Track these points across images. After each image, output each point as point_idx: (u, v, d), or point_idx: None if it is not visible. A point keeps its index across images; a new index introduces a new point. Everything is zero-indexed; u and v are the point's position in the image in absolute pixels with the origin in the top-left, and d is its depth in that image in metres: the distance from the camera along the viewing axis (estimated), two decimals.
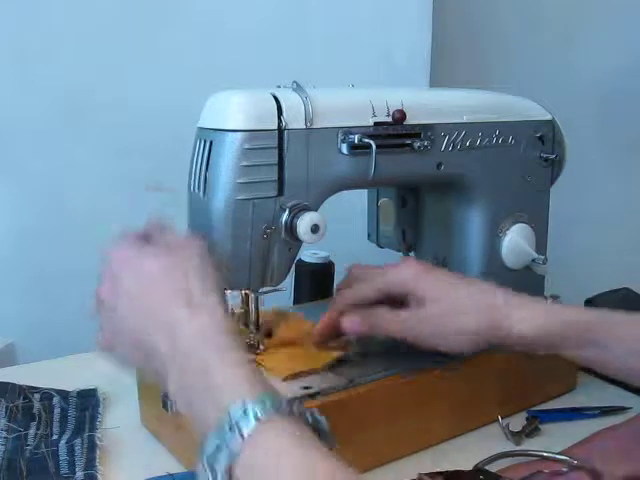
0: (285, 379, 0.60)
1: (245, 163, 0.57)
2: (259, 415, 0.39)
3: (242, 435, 0.38)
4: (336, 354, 0.65)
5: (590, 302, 0.83)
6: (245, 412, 0.39)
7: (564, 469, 0.58)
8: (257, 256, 0.59)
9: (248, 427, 0.38)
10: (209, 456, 0.39)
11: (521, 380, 0.72)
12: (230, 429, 0.39)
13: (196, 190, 0.59)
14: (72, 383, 0.74)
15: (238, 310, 0.66)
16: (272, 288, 0.64)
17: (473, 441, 0.67)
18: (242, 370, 0.43)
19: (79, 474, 0.59)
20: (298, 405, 0.41)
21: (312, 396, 0.58)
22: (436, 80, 1.17)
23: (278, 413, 0.40)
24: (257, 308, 0.65)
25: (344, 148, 0.61)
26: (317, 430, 0.42)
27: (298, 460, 0.38)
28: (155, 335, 0.46)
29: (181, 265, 0.49)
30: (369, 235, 0.84)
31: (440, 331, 0.60)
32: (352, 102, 0.63)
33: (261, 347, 0.66)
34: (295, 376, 0.61)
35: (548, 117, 0.75)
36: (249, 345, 0.66)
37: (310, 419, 0.42)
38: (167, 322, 0.46)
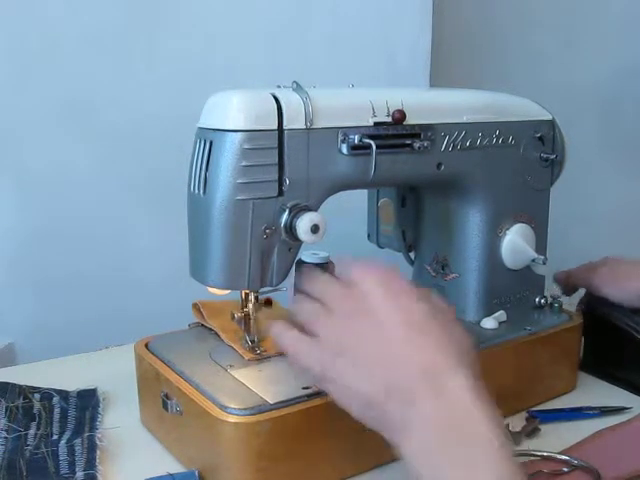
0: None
1: (245, 163, 0.57)
2: None
3: None
4: None
5: (589, 302, 0.83)
6: None
7: (564, 469, 0.58)
8: (257, 256, 0.59)
9: None
10: None
11: (521, 380, 0.72)
12: None
13: (196, 190, 0.59)
14: (72, 383, 0.74)
15: (238, 314, 0.66)
16: (272, 288, 0.64)
17: None
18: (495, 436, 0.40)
19: (79, 474, 0.59)
20: None
21: (311, 396, 0.58)
22: (436, 80, 1.17)
23: None
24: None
25: (344, 148, 0.61)
26: None
27: None
28: (389, 405, 0.44)
29: (435, 331, 0.45)
30: (369, 235, 0.84)
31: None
32: (352, 102, 0.63)
33: (261, 349, 0.66)
34: None
35: (548, 117, 0.75)
36: (249, 345, 0.66)
37: None
38: (404, 397, 0.43)
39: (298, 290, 0.52)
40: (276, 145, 0.58)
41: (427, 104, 0.67)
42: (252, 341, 0.66)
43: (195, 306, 0.73)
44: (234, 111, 0.57)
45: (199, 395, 0.59)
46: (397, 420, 0.43)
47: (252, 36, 1.05)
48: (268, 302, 0.74)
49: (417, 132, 0.65)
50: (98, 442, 0.63)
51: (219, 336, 0.69)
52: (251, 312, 0.66)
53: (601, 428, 0.62)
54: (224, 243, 0.58)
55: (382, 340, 0.44)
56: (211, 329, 0.71)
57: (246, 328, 0.66)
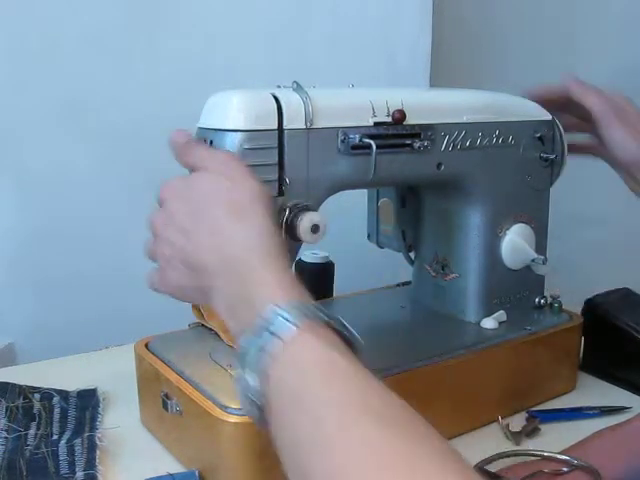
0: None
1: (245, 163, 0.57)
2: (297, 321, 0.40)
3: (281, 339, 0.39)
4: None
5: (590, 302, 0.83)
6: (284, 318, 0.40)
7: (564, 469, 0.58)
8: None
9: (287, 331, 0.39)
10: (248, 361, 0.40)
11: (521, 380, 0.72)
12: (270, 333, 0.40)
13: None
14: (72, 383, 0.74)
15: None
16: None
17: (473, 441, 0.67)
18: (283, 276, 0.44)
19: (79, 474, 0.59)
20: (332, 316, 0.42)
21: None
22: (436, 80, 1.17)
23: (313, 319, 0.41)
24: None
25: (344, 148, 0.61)
26: (344, 337, 0.43)
27: (331, 361, 0.39)
28: (204, 253, 0.47)
29: (226, 180, 0.49)
30: (369, 235, 0.84)
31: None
32: (352, 102, 0.63)
33: None
34: None
35: (548, 117, 0.75)
36: None
37: (337, 325, 0.43)
38: (215, 237, 0.47)
39: None
40: (276, 145, 0.58)
41: (427, 104, 0.67)
42: None
43: (195, 306, 0.73)
44: (234, 111, 0.57)
45: (199, 395, 0.59)
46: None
47: (252, 36, 1.05)
48: None
49: (417, 132, 0.65)
50: (98, 442, 0.63)
51: (219, 336, 0.69)
52: None
53: (601, 428, 0.62)
54: None
55: (208, 218, 0.48)
56: (211, 329, 0.71)
57: None
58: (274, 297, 0.42)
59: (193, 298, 0.53)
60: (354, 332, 0.44)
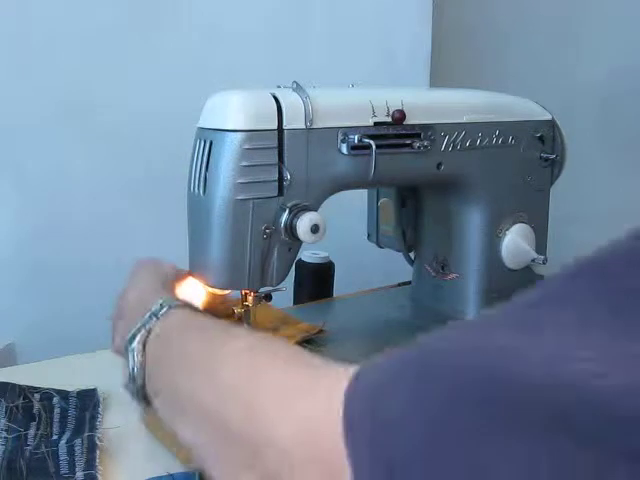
0: None
1: (245, 163, 0.57)
2: (171, 304, 0.51)
3: (157, 317, 0.50)
4: (300, 336, 0.69)
5: None
6: (161, 305, 0.51)
7: None
8: (257, 256, 0.59)
9: (161, 311, 0.50)
10: (130, 338, 0.50)
11: None
12: (149, 317, 0.50)
13: (196, 190, 0.59)
14: (72, 383, 0.74)
15: (238, 310, 0.66)
16: (272, 288, 0.64)
17: None
18: (167, 294, 0.55)
19: (79, 474, 0.58)
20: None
21: None
22: (436, 80, 1.17)
23: (188, 306, 0.52)
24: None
25: (344, 148, 0.61)
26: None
27: (200, 323, 0.49)
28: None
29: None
30: (369, 235, 0.84)
31: None
32: (352, 102, 0.63)
33: None
34: None
35: (548, 117, 0.75)
36: None
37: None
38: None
39: None
40: (276, 145, 0.58)
41: (427, 104, 0.67)
42: None
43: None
44: (234, 111, 0.57)
45: None
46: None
47: (252, 36, 1.05)
48: (268, 297, 0.73)
49: (417, 132, 0.65)
50: (98, 442, 0.63)
51: None
52: (251, 308, 0.65)
53: None
54: (224, 243, 0.58)
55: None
56: None
57: (246, 323, 0.66)
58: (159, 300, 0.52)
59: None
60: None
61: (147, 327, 0.50)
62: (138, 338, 0.50)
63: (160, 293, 0.55)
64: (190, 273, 0.65)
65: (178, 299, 0.54)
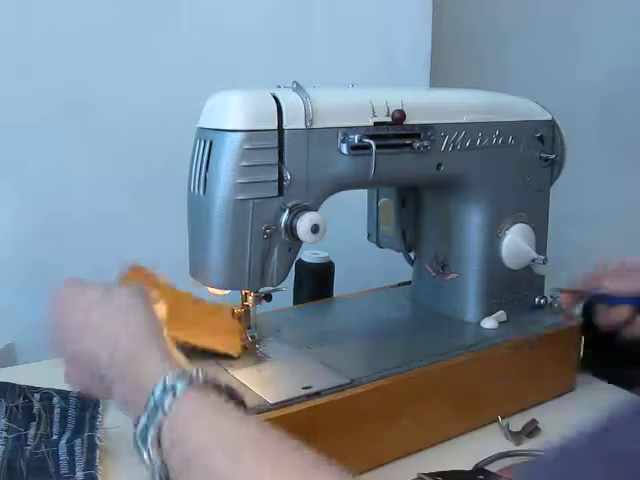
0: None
1: (245, 163, 0.57)
2: (177, 390, 0.45)
3: (164, 409, 0.45)
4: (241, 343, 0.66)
5: (590, 302, 0.83)
6: (165, 390, 0.45)
7: None
8: (257, 256, 0.59)
9: (167, 402, 0.45)
10: (140, 434, 0.46)
11: (521, 380, 0.72)
12: (155, 407, 0.45)
13: (196, 190, 0.59)
14: None
15: (238, 310, 0.66)
16: (272, 288, 0.64)
17: (473, 441, 0.67)
18: (165, 362, 0.48)
19: (79, 474, 0.58)
20: (210, 377, 0.46)
21: (311, 396, 0.58)
22: (436, 80, 1.17)
23: (194, 386, 0.45)
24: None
25: (344, 148, 0.61)
26: (232, 396, 0.47)
27: (213, 422, 0.44)
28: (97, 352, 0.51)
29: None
30: (369, 235, 0.84)
31: None
32: (352, 102, 0.63)
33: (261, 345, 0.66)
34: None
35: (548, 117, 0.75)
36: (248, 342, 0.66)
37: (224, 386, 0.47)
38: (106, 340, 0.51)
39: None
40: (276, 145, 0.58)
41: (427, 104, 0.67)
42: (252, 337, 0.66)
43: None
44: (234, 111, 0.57)
45: None
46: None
47: (252, 36, 1.05)
48: (268, 297, 0.73)
49: (417, 132, 0.65)
50: (98, 442, 0.63)
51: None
52: (251, 307, 0.65)
53: None
54: (224, 243, 0.58)
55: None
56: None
57: (246, 323, 0.66)
58: (158, 378, 0.46)
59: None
60: (238, 391, 0.48)
61: (156, 423, 0.45)
62: (150, 439, 0.45)
63: (156, 349, 0.49)
64: (138, 270, 0.63)
65: (180, 367, 0.47)
